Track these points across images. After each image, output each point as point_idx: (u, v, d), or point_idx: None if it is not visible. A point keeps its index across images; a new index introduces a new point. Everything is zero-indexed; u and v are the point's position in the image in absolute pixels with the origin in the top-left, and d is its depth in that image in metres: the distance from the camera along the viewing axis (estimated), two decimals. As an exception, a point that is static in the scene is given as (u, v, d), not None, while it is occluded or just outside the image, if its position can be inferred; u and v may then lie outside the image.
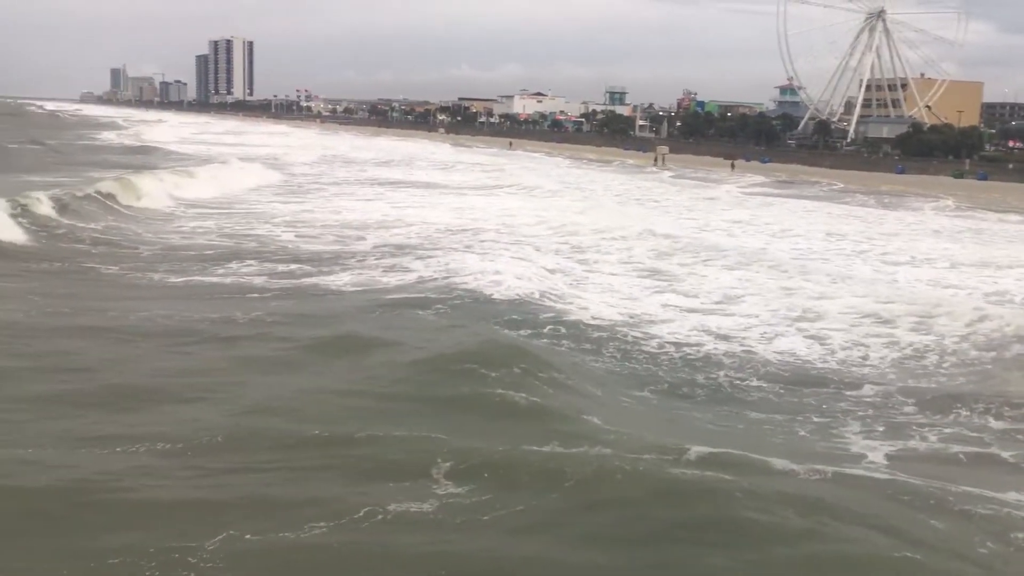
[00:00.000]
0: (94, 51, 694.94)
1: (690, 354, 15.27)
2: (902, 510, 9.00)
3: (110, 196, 30.91)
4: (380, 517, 8.42)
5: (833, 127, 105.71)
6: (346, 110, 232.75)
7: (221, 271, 20.46)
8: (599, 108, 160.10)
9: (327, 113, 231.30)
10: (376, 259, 22.98)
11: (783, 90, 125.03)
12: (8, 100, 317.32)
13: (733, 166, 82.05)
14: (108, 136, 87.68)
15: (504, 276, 20.15)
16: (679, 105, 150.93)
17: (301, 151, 78.04)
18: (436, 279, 20.09)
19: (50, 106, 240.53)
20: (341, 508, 8.55)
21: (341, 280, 19.85)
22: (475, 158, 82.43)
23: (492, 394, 11.76)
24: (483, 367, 12.60)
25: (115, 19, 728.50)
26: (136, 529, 8.07)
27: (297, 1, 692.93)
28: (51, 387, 11.65)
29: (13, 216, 23.85)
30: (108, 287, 18.23)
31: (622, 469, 9.42)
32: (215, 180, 41.87)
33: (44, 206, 26.21)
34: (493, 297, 18.17)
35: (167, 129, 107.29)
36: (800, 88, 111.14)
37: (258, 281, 19.28)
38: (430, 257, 23.18)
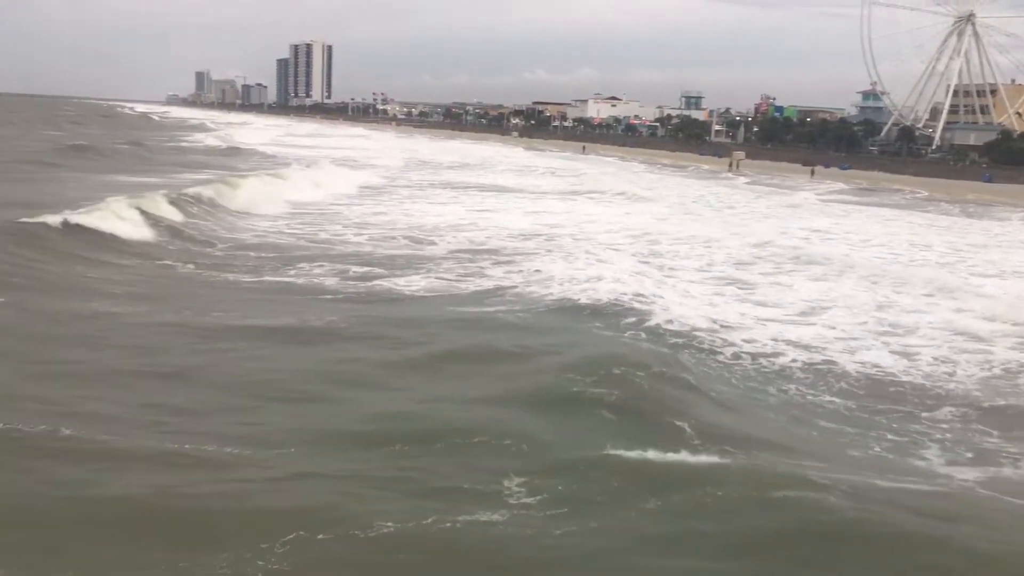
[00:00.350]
0: (180, 55, 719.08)
1: (766, 365, 15.08)
2: (989, 528, 8.78)
3: (214, 197, 31.96)
4: (448, 525, 8.38)
5: (917, 134, 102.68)
6: (421, 113, 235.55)
7: (321, 273, 20.92)
8: (674, 113, 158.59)
9: (402, 116, 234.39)
10: (458, 262, 23.25)
11: (866, 95, 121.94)
12: (100, 102, 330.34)
13: (813, 172, 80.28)
14: (200, 137, 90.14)
15: (588, 281, 20.23)
16: (757, 110, 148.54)
17: (385, 154, 79.32)
18: (515, 285, 20.25)
19: (140, 108, 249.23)
20: (411, 513, 8.51)
21: (427, 284, 20.19)
22: (550, 162, 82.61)
23: (577, 397, 11.79)
24: (571, 372, 12.71)
25: (201, 24, 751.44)
26: (208, 528, 8.21)
27: (376, 6, 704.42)
28: (155, 387, 12.04)
29: (144, 215, 25.29)
30: (225, 289, 18.78)
31: (699, 478, 9.40)
32: (310, 182, 42.80)
33: (163, 206, 27.43)
34: (580, 302, 18.29)
35: (254, 131, 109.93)
36: (884, 93, 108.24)
37: (363, 287, 19.69)
38: (513, 262, 23.43)
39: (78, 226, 22.28)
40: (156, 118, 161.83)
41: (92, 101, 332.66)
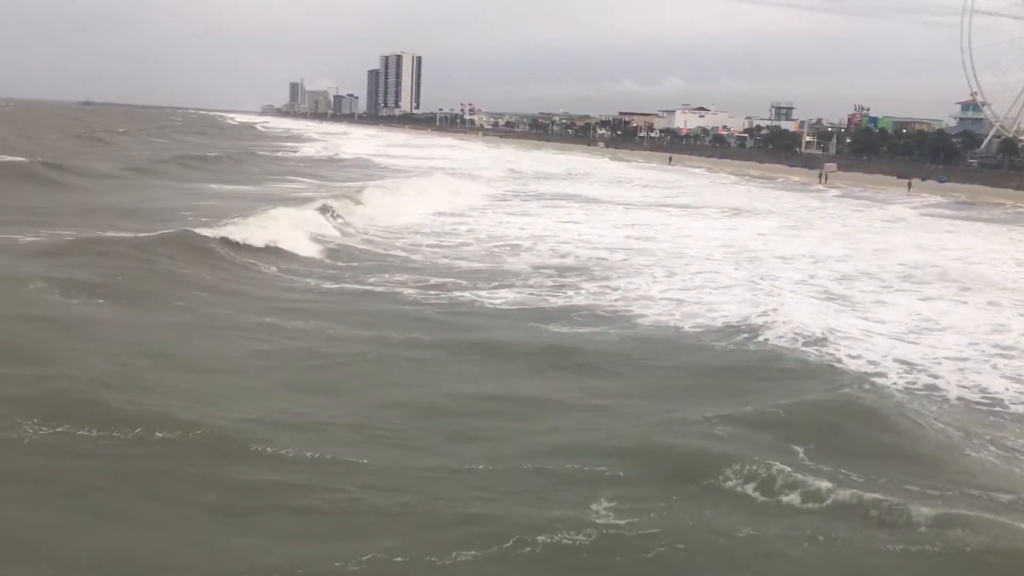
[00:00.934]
0: (275, 67, 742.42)
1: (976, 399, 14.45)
2: None
3: (358, 208, 32.96)
4: (528, 550, 8.18)
5: (1021, 146, 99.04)
6: (507, 124, 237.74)
7: (470, 286, 21.14)
8: (764, 123, 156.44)
9: (488, 126, 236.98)
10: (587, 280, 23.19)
11: (965, 106, 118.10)
12: (199, 112, 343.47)
13: (910, 185, 78.09)
14: (309, 148, 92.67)
15: (695, 302, 20.22)
16: (850, 121, 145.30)
17: (485, 164, 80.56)
18: (618, 302, 20.36)
19: (240, 118, 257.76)
20: (493, 533, 8.36)
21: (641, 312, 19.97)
22: (638, 173, 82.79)
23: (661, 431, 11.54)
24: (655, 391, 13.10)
25: (296, 37, 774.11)
26: (286, 540, 8.33)
27: (465, 18, 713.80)
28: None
29: (298, 228, 26.16)
30: (378, 301, 19.14)
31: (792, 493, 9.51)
32: (446, 191, 43.65)
33: (315, 218, 28.52)
34: (683, 329, 17.93)
35: (355, 142, 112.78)
36: (984, 104, 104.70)
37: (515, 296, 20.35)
38: (623, 276, 23.76)
39: (240, 242, 23.00)
40: (260, 128, 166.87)
41: (191, 111, 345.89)
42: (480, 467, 10.02)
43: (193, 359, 13.60)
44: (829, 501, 9.43)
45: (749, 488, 9.69)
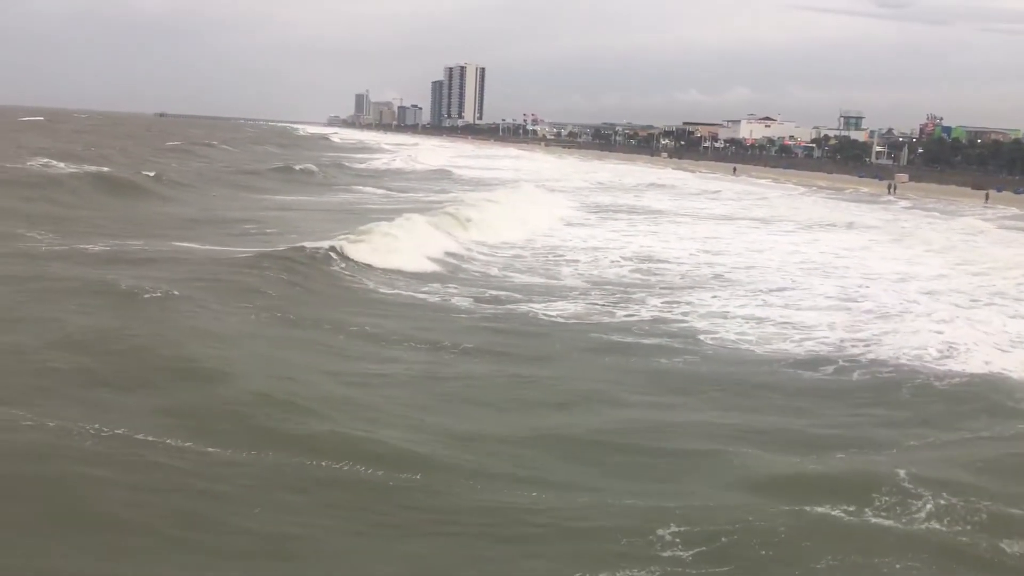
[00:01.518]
0: (340, 78, 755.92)
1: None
2: None
3: (464, 221, 31.50)
4: None
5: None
6: (570, 134, 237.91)
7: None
8: (832, 133, 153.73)
9: (551, 137, 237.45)
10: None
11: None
12: (265, 123, 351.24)
13: (988, 197, 75.40)
14: (389, 159, 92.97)
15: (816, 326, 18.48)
16: (922, 131, 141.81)
17: (557, 173, 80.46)
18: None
19: (310, 129, 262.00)
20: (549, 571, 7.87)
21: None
22: (704, 184, 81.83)
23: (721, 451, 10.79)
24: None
25: (361, 48, 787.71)
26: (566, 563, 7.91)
27: (528, 28, 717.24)
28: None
29: (418, 240, 25.51)
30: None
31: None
32: (536, 204, 41.99)
33: (429, 231, 27.63)
34: (799, 358, 16.00)
35: (429, 153, 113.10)
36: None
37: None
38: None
39: (371, 262, 22.11)
40: (334, 140, 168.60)
41: (261, 122, 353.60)
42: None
43: (348, 376, 13.06)
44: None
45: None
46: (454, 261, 25.04)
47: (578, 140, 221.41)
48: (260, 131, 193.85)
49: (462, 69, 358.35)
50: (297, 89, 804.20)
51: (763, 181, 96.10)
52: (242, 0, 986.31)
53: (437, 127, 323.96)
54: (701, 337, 17.18)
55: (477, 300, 19.62)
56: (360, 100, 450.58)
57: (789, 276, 26.20)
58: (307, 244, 22.30)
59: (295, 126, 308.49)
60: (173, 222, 30.40)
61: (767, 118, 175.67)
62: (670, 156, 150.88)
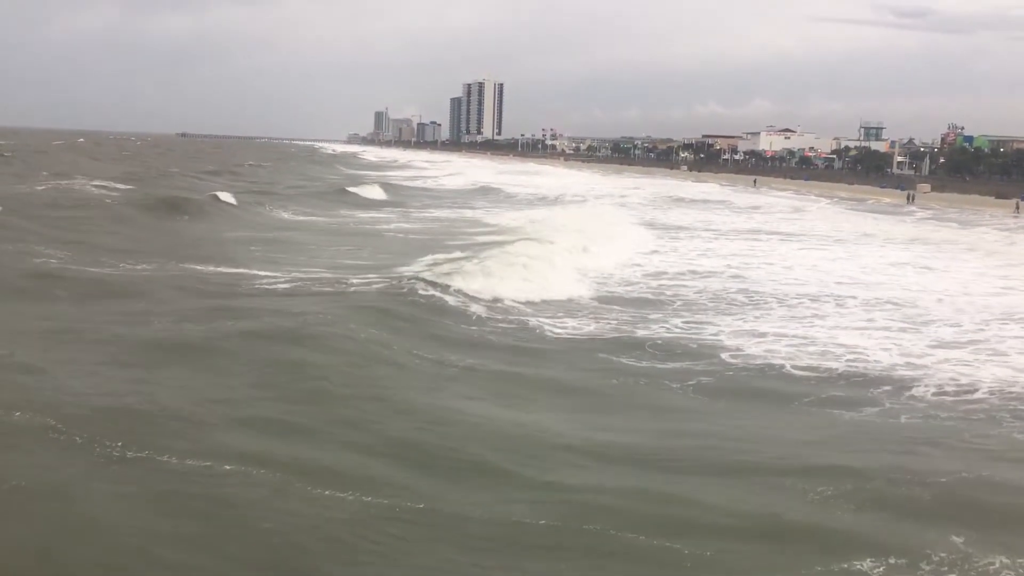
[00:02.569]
0: (360, 95, 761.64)
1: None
2: None
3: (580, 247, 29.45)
4: None
5: None
6: (589, 148, 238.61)
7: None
8: (852, 144, 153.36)
9: (570, 151, 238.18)
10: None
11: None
12: (294, 142, 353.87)
13: (1018, 207, 73.67)
14: (430, 177, 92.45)
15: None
16: (943, 140, 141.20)
17: (599, 189, 79.89)
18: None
19: (338, 148, 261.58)
20: None
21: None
22: (741, 199, 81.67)
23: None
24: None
25: (380, 65, 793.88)
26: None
27: (548, 43, 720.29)
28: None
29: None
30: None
31: None
32: (605, 226, 38.88)
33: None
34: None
35: (466, 168, 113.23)
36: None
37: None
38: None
39: (490, 295, 20.16)
40: (366, 158, 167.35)
41: (284, 141, 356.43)
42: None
43: (495, 414, 12.11)
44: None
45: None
46: (604, 288, 23.21)
47: (597, 154, 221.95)
48: (286, 150, 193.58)
49: (480, 85, 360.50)
50: (316, 107, 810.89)
51: (784, 193, 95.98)
52: (259, 21, 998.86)
53: (456, 143, 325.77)
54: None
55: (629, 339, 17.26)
56: (379, 117, 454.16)
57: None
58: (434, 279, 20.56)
59: (318, 144, 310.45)
60: (284, 247, 29.10)
61: (787, 130, 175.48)
62: (689, 169, 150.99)
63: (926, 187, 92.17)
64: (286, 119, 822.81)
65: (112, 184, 44.41)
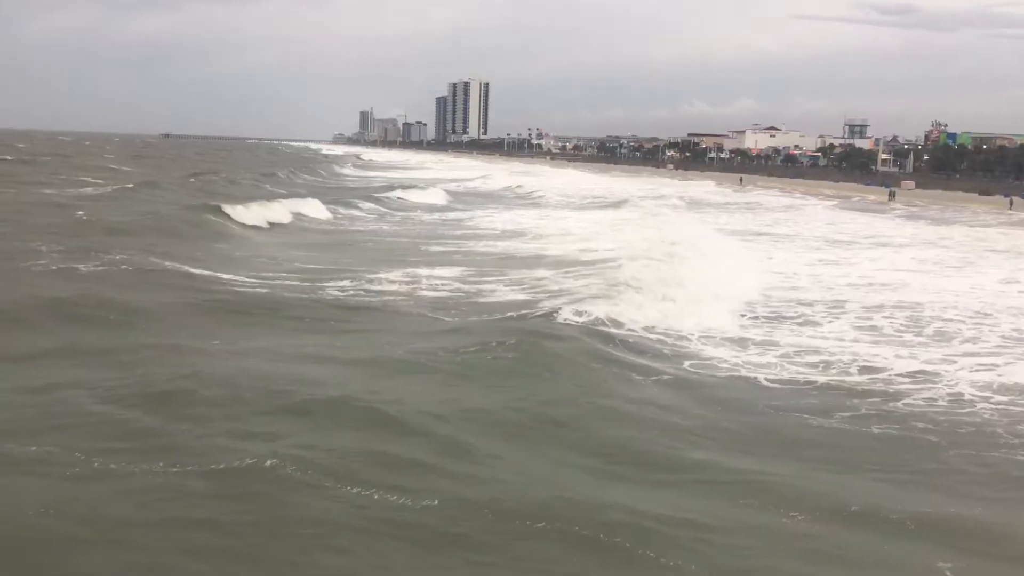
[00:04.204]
0: (344, 95, 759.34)
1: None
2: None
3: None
4: None
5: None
6: (575, 147, 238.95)
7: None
8: (837, 142, 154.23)
9: (556, 150, 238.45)
10: None
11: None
12: (284, 142, 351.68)
13: (1012, 203, 71.67)
14: (451, 180, 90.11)
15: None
16: (927, 138, 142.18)
17: (615, 187, 79.17)
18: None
19: (338, 149, 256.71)
20: None
21: None
22: (737, 198, 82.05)
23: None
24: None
25: (365, 65, 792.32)
26: None
27: (533, 43, 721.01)
28: None
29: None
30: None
31: None
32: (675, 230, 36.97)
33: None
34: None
35: (473, 171, 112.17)
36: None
37: None
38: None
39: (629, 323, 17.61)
40: (371, 159, 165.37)
41: (271, 142, 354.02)
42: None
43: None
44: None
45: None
46: (761, 312, 20.42)
47: (583, 153, 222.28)
48: (283, 152, 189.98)
49: (466, 84, 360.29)
50: (299, 107, 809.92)
51: (771, 191, 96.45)
52: (242, 20, 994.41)
53: (442, 143, 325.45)
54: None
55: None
56: (364, 117, 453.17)
57: None
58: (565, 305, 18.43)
59: (308, 144, 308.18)
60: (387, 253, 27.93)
61: (772, 128, 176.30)
62: (676, 167, 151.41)
63: (910, 184, 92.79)
64: (269, 119, 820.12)
65: (201, 191, 46.35)
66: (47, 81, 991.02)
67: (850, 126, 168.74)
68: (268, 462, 9.13)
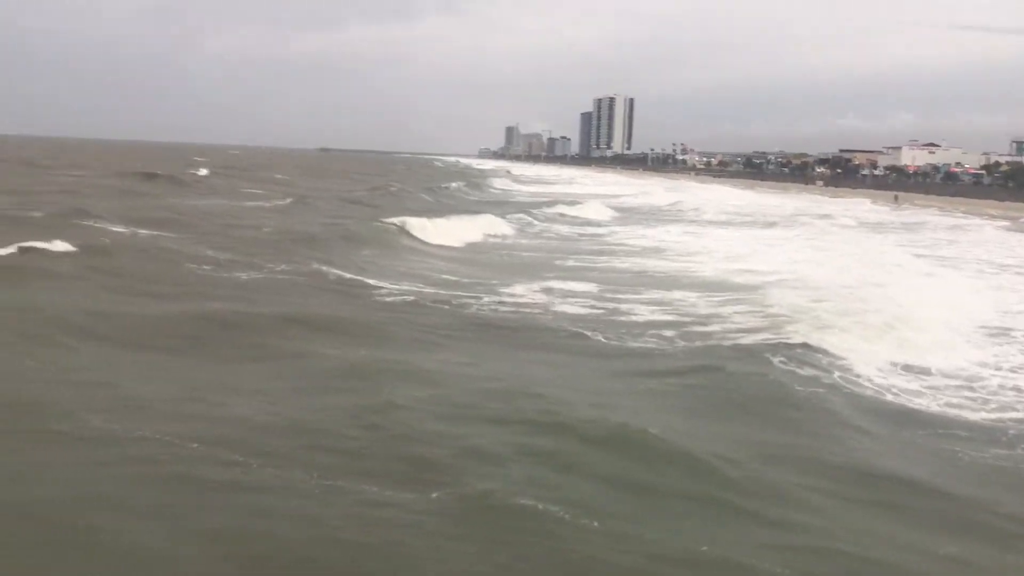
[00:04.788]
0: (490, 111, 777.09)
1: None
2: None
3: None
4: None
5: None
6: (720, 163, 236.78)
7: None
8: (1003, 159, 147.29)
9: (701, 166, 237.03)
10: None
11: None
12: (432, 156, 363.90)
13: None
14: (612, 196, 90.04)
15: None
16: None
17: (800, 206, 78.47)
18: None
19: (488, 164, 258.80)
20: None
21: None
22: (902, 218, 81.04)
23: None
24: None
25: (511, 82, 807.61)
26: None
27: (677, 58, 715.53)
28: None
29: None
30: None
31: None
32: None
33: None
34: None
35: (618, 186, 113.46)
36: None
37: None
38: None
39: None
40: (526, 173, 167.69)
41: (423, 156, 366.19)
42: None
43: None
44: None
45: None
46: None
47: (728, 169, 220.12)
48: (435, 167, 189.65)
49: (611, 100, 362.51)
50: (447, 122, 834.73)
51: (929, 210, 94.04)
52: (395, 38, 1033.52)
53: (585, 157, 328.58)
54: None
55: None
56: (510, 132, 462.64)
57: None
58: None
59: (456, 159, 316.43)
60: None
61: (931, 144, 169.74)
62: (825, 184, 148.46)
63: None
64: (418, 134, 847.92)
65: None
66: (214, 99, 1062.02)
67: (1018, 143, 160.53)
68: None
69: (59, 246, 22.67)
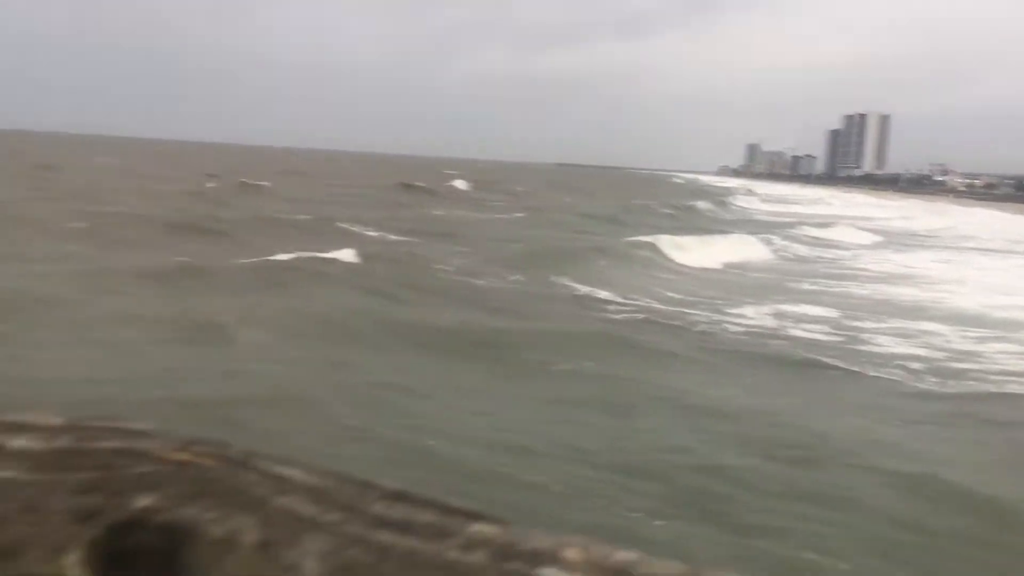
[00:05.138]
0: (729, 128, 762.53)
1: None
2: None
3: None
4: None
5: None
6: (986, 185, 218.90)
7: None
8: None
9: (962, 188, 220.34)
10: None
11: None
12: (671, 174, 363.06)
13: None
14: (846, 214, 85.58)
15: None
16: None
17: None
18: None
19: (730, 182, 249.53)
20: None
21: None
22: None
23: None
24: None
25: (754, 101, 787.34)
26: None
27: (942, 74, 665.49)
28: None
29: None
30: None
31: None
32: None
33: None
34: None
35: (868, 208, 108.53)
36: None
37: None
38: None
39: None
40: (771, 192, 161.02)
41: (657, 173, 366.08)
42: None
43: None
44: None
45: None
46: None
47: (994, 192, 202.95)
48: (675, 184, 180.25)
49: (862, 117, 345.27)
50: (685, 139, 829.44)
51: None
52: (638, 55, 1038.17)
53: (831, 176, 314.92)
54: None
55: None
56: (751, 150, 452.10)
57: None
58: None
59: (696, 176, 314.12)
60: None
61: None
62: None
63: None
64: (655, 149, 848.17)
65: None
66: (458, 115, 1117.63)
67: None
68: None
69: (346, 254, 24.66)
